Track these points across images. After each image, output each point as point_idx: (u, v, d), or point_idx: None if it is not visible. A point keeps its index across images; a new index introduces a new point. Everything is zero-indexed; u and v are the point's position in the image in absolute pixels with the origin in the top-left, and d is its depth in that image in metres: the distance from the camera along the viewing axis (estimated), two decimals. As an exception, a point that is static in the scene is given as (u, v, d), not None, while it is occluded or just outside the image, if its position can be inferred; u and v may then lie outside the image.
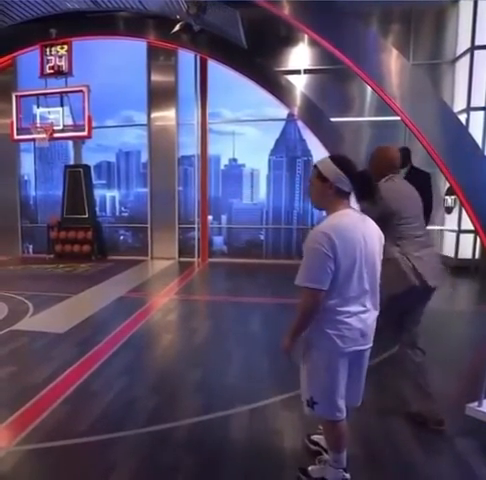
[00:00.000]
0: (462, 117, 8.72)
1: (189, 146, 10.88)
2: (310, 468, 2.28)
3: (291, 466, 2.42)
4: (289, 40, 10.01)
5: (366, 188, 2.00)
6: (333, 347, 1.99)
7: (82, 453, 2.54)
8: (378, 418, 2.95)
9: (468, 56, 8.86)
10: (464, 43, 9.06)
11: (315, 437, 2.55)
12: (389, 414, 3.00)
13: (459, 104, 9.09)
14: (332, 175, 1.97)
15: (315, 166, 2.06)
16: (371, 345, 2.11)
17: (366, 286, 1.99)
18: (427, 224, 3.55)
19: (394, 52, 7.80)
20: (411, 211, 2.84)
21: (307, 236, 1.96)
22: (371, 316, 2.05)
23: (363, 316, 2.01)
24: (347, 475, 2.17)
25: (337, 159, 2.02)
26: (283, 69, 10.13)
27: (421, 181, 3.96)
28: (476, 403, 2.98)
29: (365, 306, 2.01)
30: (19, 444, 2.65)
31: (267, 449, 2.60)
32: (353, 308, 1.97)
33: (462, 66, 9.15)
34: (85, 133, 10.03)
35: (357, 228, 1.97)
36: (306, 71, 10.13)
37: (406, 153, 4.74)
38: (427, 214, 3.80)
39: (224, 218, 11.33)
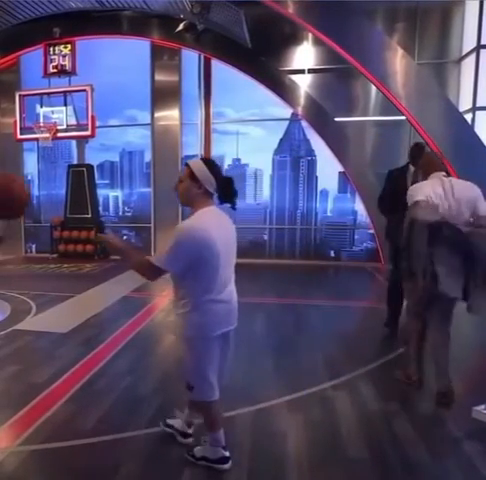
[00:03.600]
0: (468, 117, 8.67)
1: (193, 146, 10.86)
2: (195, 449, 2.44)
3: (295, 468, 2.39)
4: (293, 39, 9.98)
5: (228, 191, 2.21)
6: (205, 333, 2.18)
7: (85, 454, 2.51)
8: (383, 420, 2.91)
9: (474, 55, 8.79)
10: (470, 42, 9.00)
11: (169, 421, 2.70)
12: (394, 416, 2.96)
13: (465, 104, 9.02)
14: (203, 176, 2.16)
15: (187, 165, 2.23)
16: (236, 324, 2.36)
17: (231, 273, 2.30)
18: None
19: (399, 51, 7.79)
20: None
21: (177, 227, 2.12)
22: (234, 299, 2.34)
23: (230, 301, 2.28)
24: (226, 453, 2.37)
25: (208, 162, 2.22)
26: (287, 68, 10.09)
27: None
28: (483, 406, 2.94)
29: (231, 291, 2.30)
30: (22, 444, 2.62)
31: (271, 451, 2.57)
32: (222, 295, 2.20)
33: (468, 65, 9.09)
34: (88, 132, 10.03)
35: (221, 222, 2.21)
36: (310, 70, 10.08)
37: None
38: None
39: (227, 218, 11.27)
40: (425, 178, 3.31)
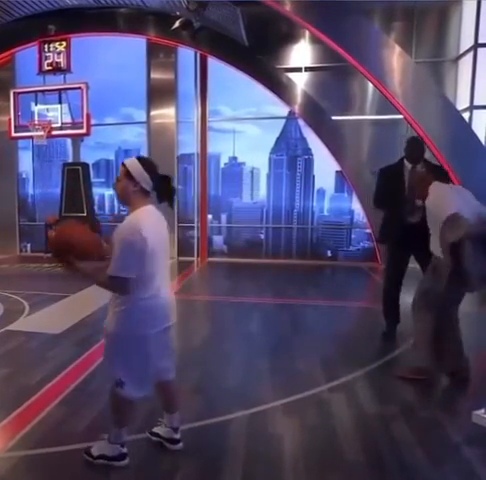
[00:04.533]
0: (465, 115, 8.64)
1: (189, 144, 10.80)
2: (92, 449, 2.40)
3: (291, 473, 2.34)
4: (290, 37, 9.93)
5: (166, 190, 2.25)
6: (143, 330, 2.20)
7: (78, 458, 2.44)
8: (381, 423, 2.86)
9: (471, 54, 8.77)
10: (467, 40, 8.98)
11: (155, 429, 2.63)
12: (392, 419, 2.90)
13: (462, 102, 9.00)
14: (138, 175, 2.18)
15: (123, 164, 2.23)
16: (174, 320, 2.42)
17: (166, 271, 2.35)
18: None
19: (397, 49, 7.73)
20: None
21: (117, 228, 2.14)
22: (169, 294, 2.37)
23: (165, 299, 2.30)
24: (124, 450, 2.34)
25: (143, 161, 2.24)
26: (284, 66, 10.06)
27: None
28: (483, 410, 2.89)
29: (164, 286, 2.30)
30: (12, 450, 2.55)
31: (266, 455, 2.51)
32: (157, 294, 2.22)
33: (465, 64, 9.08)
34: (84, 131, 9.93)
35: (157, 221, 2.25)
36: (307, 69, 10.05)
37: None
38: None
39: (224, 217, 11.24)
40: (425, 189, 3.36)
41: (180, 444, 2.52)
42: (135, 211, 2.19)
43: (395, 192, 4.16)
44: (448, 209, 3.04)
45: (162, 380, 2.45)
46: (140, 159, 2.24)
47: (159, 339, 2.29)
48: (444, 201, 3.16)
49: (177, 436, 2.53)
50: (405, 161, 4.23)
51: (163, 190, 2.25)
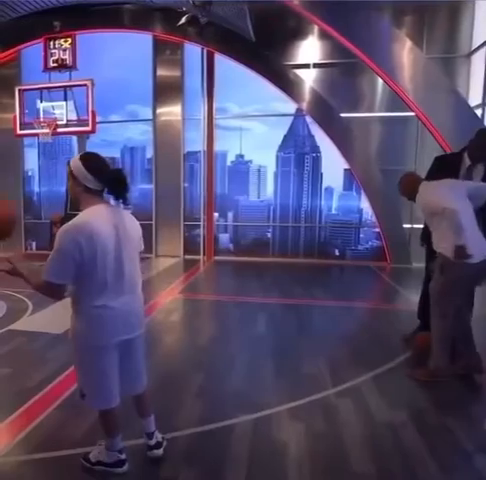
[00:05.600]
0: (478, 112, 8.46)
1: (195, 142, 10.69)
2: (90, 454, 2.36)
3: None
4: (298, 33, 9.78)
5: (116, 187, 2.06)
6: (95, 341, 2.06)
7: (77, 464, 2.37)
8: (390, 430, 2.75)
9: (484, 49, 8.58)
10: (480, 36, 8.78)
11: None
12: (401, 426, 2.79)
13: (475, 99, 8.79)
14: (79, 174, 2.05)
15: (68, 164, 2.12)
16: (140, 332, 2.26)
17: (125, 275, 2.09)
18: None
19: (408, 43, 7.59)
20: None
21: (58, 231, 1.98)
22: (133, 304, 2.17)
23: (124, 310, 2.11)
24: (122, 456, 2.30)
25: (84, 158, 2.08)
26: (292, 63, 9.91)
27: None
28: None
29: (125, 294, 2.11)
30: (10, 453, 2.49)
31: (270, 462, 2.42)
32: (111, 300, 2.05)
33: (478, 60, 8.88)
34: (89, 128, 9.86)
35: (107, 221, 2.03)
36: (315, 65, 9.89)
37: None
38: None
39: (230, 215, 11.14)
40: (415, 190, 3.48)
41: (158, 450, 2.40)
42: (82, 212, 2.06)
43: None
44: (441, 202, 3.21)
45: (131, 394, 2.36)
46: (82, 156, 2.10)
47: (116, 351, 2.15)
48: (436, 196, 3.31)
49: (152, 442, 2.40)
50: (465, 155, 3.65)
51: (112, 186, 2.07)
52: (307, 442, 2.62)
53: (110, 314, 2.06)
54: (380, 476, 2.30)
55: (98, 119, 10.04)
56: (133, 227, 2.20)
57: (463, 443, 2.60)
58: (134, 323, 2.21)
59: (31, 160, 11.80)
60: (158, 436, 2.44)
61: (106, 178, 2.07)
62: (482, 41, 8.69)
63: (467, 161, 3.62)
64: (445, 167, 3.80)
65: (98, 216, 2.03)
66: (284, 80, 9.82)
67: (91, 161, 2.08)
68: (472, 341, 3.51)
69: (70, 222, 1.98)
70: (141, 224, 2.32)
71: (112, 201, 2.12)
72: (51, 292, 2.03)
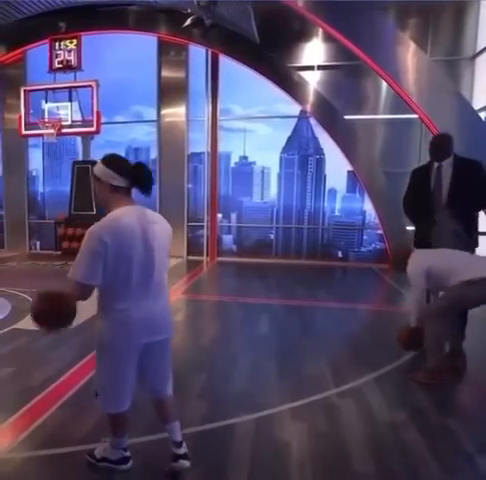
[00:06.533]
0: (482, 115, 8.45)
1: (199, 143, 10.73)
2: (96, 450, 2.37)
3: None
4: (302, 35, 9.81)
5: (140, 179, 2.07)
6: (116, 342, 2.05)
7: (82, 460, 2.39)
8: (391, 431, 2.75)
9: (488, 52, 8.57)
10: (484, 39, 8.78)
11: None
12: (403, 427, 2.79)
13: (479, 101, 8.79)
14: (103, 174, 2.06)
15: (92, 173, 2.15)
16: (167, 335, 2.20)
17: (152, 278, 2.07)
18: None
19: (412, 46, 7.59)
20: None
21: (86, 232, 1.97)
22: (158, 307, 2.12)
23: (148, 309, 2.07)
24: (127, 454, 2.31)
25: (105, 159, 2.10)
26: (296, 65, 9.93)
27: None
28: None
29: (150, 298, 2.08)
30: (15, 450, 2.50)
31: (272, 462, 2.43)
32: (136, 303, 2.03)
33: (482, 62, 8.87)
34: (93, 129, 9.93)
35: (136, 223, 2.02)
36: (320, 67, 9.92)
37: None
38: None
39: (234, 216, 11.16)
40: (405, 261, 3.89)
41: (185, 461, 2.25)
42: (110, 213, 2.05)
43: (422, 193, 4.00)
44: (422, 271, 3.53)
45: (154, 398, 2.34)
46: (102, 159, 2.12)
47: (136, 356, 2.12)
48: (418, 264, 3.60)
49: (180, 451, 2.25)
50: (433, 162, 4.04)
51: (136, 178, 2.07)
52: (309, 442, 2.63)
53: (134, 317, 2.04)
54: (381, 476, 2.31)
55: (103, 120, 10.10)
56: (162, 230, 2.18)
57: (464, 443, 2.61)
58: (159, 327, 2.16)
59: (36, 160, 11.88)
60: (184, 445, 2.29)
61: (128, 171, 2.07)
62: (486, 44, 8.68)
63: (435, 165, 3.98)
64: (418, 175, 4.16)
65: (125, 217, 2.01)
66: (288, 82, 9.85)
67: (111, 160, 2.11)
68: (461, 341, 3.70)
69: (100, 224, 1.97)
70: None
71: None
72: (81, 294, 1.99)
